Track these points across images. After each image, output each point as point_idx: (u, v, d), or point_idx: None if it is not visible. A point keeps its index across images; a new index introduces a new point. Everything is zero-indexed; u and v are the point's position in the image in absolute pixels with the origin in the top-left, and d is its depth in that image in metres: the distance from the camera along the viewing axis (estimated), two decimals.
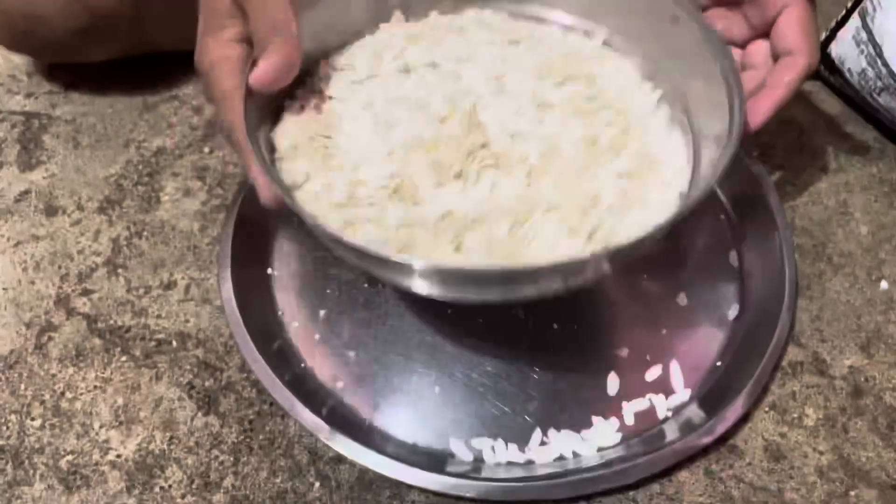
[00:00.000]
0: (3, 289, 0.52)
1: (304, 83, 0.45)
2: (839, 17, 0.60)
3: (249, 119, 0.39)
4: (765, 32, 0.49)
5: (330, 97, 0.45)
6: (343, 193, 0.40)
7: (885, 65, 0.55)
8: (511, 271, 0.37)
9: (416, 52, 0.47)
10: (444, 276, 0.38)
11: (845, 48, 0.59)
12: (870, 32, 0.56)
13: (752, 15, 0.49)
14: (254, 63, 0.39)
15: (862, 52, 0.57)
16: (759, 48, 0.50)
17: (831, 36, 0.61)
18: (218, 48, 0.41)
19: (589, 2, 0.49)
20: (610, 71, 0.48)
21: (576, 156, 0.42)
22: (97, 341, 0.50)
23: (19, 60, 0.66)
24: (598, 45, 0.49)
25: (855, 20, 0.58)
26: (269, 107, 0.43)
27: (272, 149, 0.42)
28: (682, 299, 0.52)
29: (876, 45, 0.56)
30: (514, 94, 0.46)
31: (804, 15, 0.46)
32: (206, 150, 0.60)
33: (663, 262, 0.53)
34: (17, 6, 0.56)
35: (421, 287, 0.40)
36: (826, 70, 0.63)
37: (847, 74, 0.60)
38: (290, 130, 0.43)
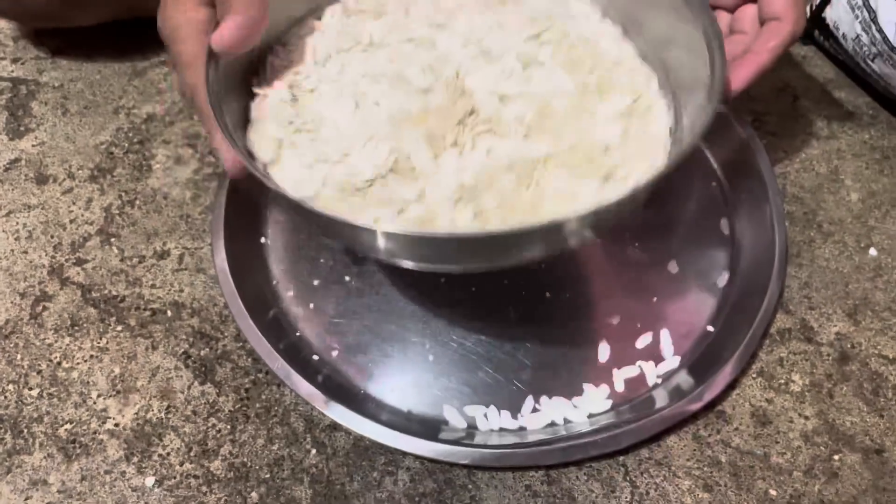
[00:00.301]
0: None
1: (265, 62, 0.44)
2: None
3: (213, 84, 0.37)
4: None
5: (298, 82, 0.43)
6: (338, 183, 0.39)
7: (880, 31, 0.54)
8: (488, 236, 0.36)
9: (381, 25, 0.45)
10: (418, 242, 0.37)
11: (840, 13, 0.59)
12: None
13: None
14: (217, 25, 0.38)
15: (857, 17, 0.57)
16: (747, 13, 0.49)
17: (826, 0, 0.61)
18: (181, 11, 0.39)
19: None
20: (590, 26, 0.47)
21: (570, 107, 0.42)
22: (92, 311, 0.50)
23: (4, 25, 0.65)
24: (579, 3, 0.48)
25: None
26: (238, 75, 0.42)
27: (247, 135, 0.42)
28: (673, 267, 0.52)
29: (871, 10, 0.55)
30: (497, 55, 0.44)
31: None
32: (197, 117, 0.59)
33: (655, 230, 0.53)
34: None
35: (392, 254, 0.39)
36: (820, 35, 0.62)
37: (841, 40, 0.60)
38: (269, 131, 0.41)
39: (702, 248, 0.53)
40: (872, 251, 0.53)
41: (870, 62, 0.57)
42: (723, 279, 0.52)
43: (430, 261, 0.41)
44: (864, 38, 0.57)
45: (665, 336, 0.49)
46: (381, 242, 0.36)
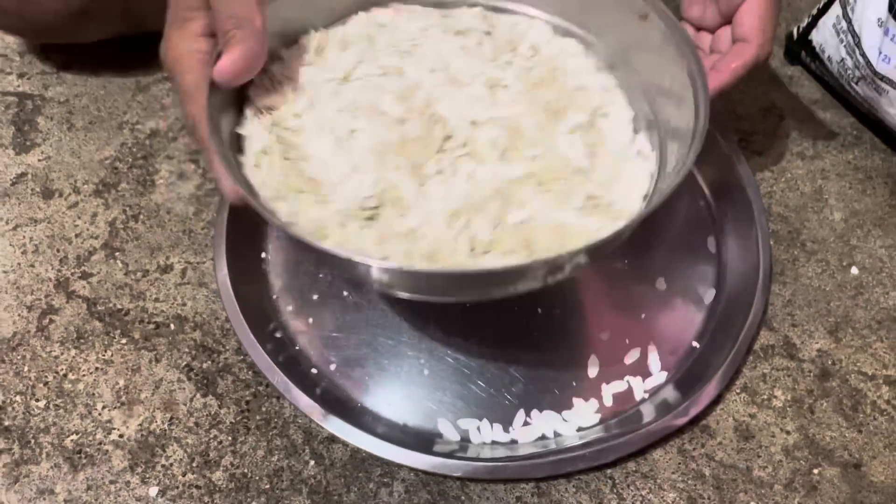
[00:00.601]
0: (4, 272, 0.54)
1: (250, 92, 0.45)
2: (821, 5, 0.62)
3: (213, 114, 0.38)
4: (731, 19, 0.50)
5: (279, 120, 0.44)
6: (334, 217, 0.40)
7: (863, 55, 0.56)
8: (470, 274, 0.38)
9: (348, 56, 0.46)
10: (418, 277, 0.39)
11: (826, 36, 0.61)
12: (850, 22, 0.57)
13: (722, 3, 0.50)
14: (218, 56, 0.39)
15: (841, 41, 0.59)
16: (725, 33, 0.51)
17: (812, 23, 0.62)
18: (183, 42, 0.41)
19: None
20: (556, 50, 0.48)
21: (537, 126, 0.44)
22: (97, 324, 0.52)
23: (11, 40, 0.66)
24: (545, 30, 0.49)
25: (836, 9, 0.60)
26: (235, 102, 0.43)
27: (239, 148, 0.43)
28: (661, 284, 0.54)
29: (855, 35, 0.57)
30: (464, 80, 0.46)
31: (764, 6, 0.48)
32: (196, 145, 0.61)
33: (643, 248, 0.55)
34: None
35: (389, 286, 0.41)
36: (807, 56, 0.64)
37: (827, 62, 0.61)
38: (264, 175, 0.42)
39: (689, 266, 0.55)
40: (854, 270, 0.55)
41: (854, 85, 0.59)
42: (709, 296, 0.53)
43: (428, 293, 0.43)
44: (849, 62, 0.58)
45: (652, 352, 0.51)
46: (379, 276, 0.38)
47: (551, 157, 0.43)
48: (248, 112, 0.43)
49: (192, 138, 0.41)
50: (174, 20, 0.41)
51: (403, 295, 0.42)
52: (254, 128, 0.43)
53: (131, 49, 0.64)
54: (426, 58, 0.46)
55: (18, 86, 0.64)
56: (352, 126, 0.43)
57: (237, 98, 0.43)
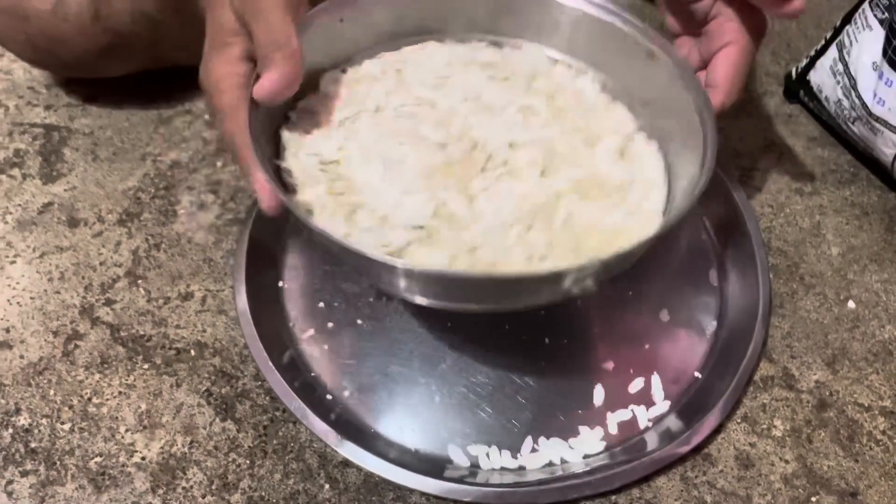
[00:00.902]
0: (31, 298, 0.56)
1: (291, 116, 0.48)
2: (819, 47, 0.64)
3: (253, 130, 0.41)
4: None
5: (319, 151, 0.46)
6: (397, 238, 0.42)
7: (859, 97, 0.58)
8: (499, 279, 0.40)
9: (379, 90, 0.49)
10: (442, 282, 0.41)
11: (823, 77, 0.63)
12: (846, 65, 0.60)
13: (703, 47, 0.52)
14: (257, 78, 0.42)
15: (838, 82, 0.61)
16: (702, 77, 0.53)
17: (811, 64, 0.65)
18: (223, 65, 0.44)
19: (567, 38, 0.52)
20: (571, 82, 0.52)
21: (571, 147, 0.47)
22: (121, 349, 0.53)
23: (38, 73, 0.69)
24: (564, 68, 0.52)
25: (833, 51, 0.62)
26: (271, 125, 0.46)
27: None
28: (665, 315, 0.56)
29: (851, 78, 0.59)
30: (497, 108, 0.49)
31: (738, 56, 0.49)
32: (219, 164, 0.63)
33: (647, 279, 0.57)
34: (39, 27, 0.58)
35: (417, 293, 0.43)
36: (805, 96, 0.66)
37: (824, 102, 0.64)
38: (304, 196, 0.44)
39: (691, 298, 0.57)
40: (851, 304, 0.56)
41: (850, 124, 0.61)
42: (711, 327, 0.55)
43: (486, 301, 0.45)
44: (845, 103, 0.61)
45: (656, 381, 0.53)
46: (425, 284, 0.41)
47: (591, 174, 0.46)
48: (288, 146, 0.46)
49: (230, 155, 0.43)
50: (214, 45, 0.44)
51: (437, 305, 0.44)
52: (296, 161, 0.45)
53: (154, 83, 0.67)
54: (457, 88, 0.49)
55: (45, 118, 0.66)
56: (397, 152, 0.46)
57: (273, 135, 0.46)
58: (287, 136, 0.46)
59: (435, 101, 0.49)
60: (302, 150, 0.45)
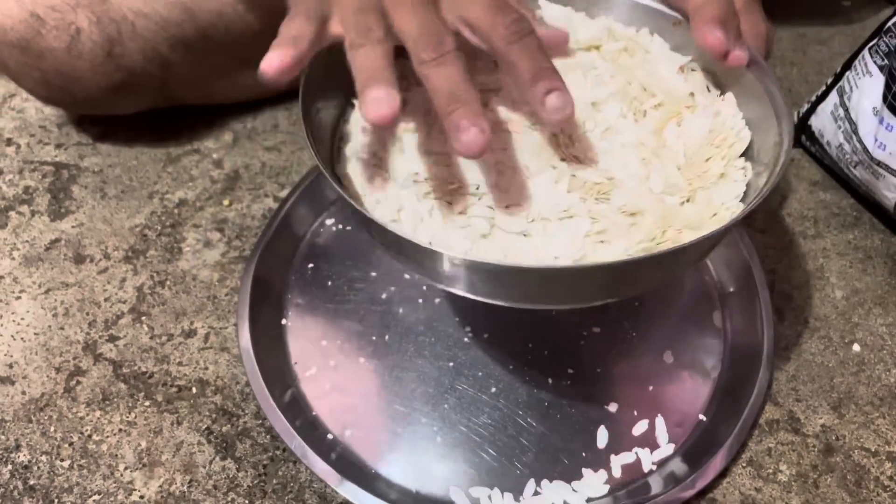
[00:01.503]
0: (35, 334, 0.56)
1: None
2: (820, 92, 0.65)
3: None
4: None
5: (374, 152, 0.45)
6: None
7: (860, 142, 0.59)
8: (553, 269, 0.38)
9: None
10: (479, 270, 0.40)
11: (824, 122, 0.64)
12: (846, 110, 0.61)
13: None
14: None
15: (839, 127, 0.62)
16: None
17: (812, 109, 0.66)
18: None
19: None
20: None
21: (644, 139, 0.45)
22: (122, 386, 0.53)
23: (50, 112, 0.70)
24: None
25: (833, 97, 0.63)
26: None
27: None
28: (669, 357, 0.55)
29: (852, 122, 0.60)
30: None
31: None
32: (226, 202, 0.64)
33: (651, 321, 0.57)
34: (53, 64, 0.60)
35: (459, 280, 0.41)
36: (807, 140, 0.67)
37: (826, 146, 0.64)
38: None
39: (695, 340, 0.57)
40: (856, 347, 0.56)
41: (852, 168, 0.62)
42: (715, 370, 0.55)
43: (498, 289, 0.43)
44: (847, 147, 0.61)
45: (660, 424, 0.52)
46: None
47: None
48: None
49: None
50: None
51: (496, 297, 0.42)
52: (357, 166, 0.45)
53: (164, 122, 0.68)
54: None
55: (56, 156, 0.67)
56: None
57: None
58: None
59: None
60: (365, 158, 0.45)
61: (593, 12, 0.51)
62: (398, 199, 0.42)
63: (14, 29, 0.58)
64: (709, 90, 0.47)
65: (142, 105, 0.67)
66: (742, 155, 0.45)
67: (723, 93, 0.47)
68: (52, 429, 0.51)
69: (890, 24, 0.57)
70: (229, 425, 0.52)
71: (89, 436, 0.51)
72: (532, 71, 0.38)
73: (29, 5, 0.57)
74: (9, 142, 0.68)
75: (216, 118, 0.70)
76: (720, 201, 0.43)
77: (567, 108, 0.38)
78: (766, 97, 0.44)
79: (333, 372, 0.54)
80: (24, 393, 0.53)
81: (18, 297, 0.58)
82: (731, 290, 0.59)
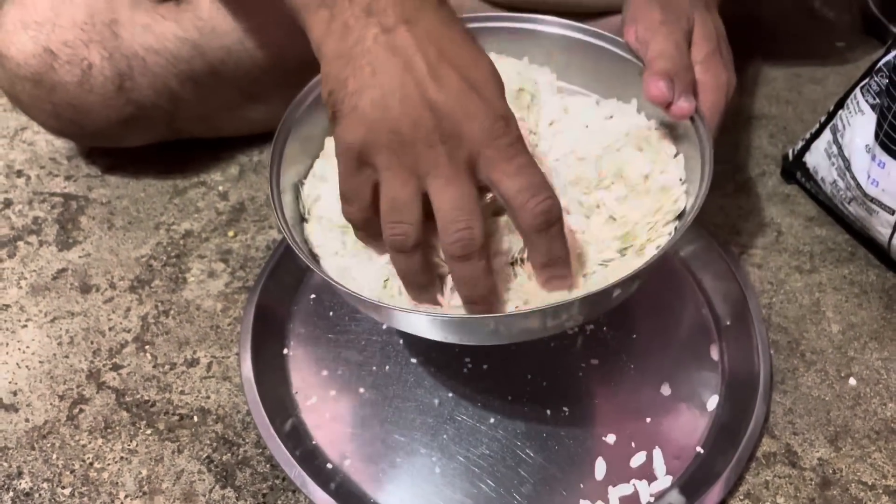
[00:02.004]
0: (40, 362, 0.56)
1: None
2: (814, 130, 0.66)
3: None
4: None
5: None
6: None
7: (854, 178, 0.60)
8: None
9: None
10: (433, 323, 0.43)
11: (818, 159, 0.65)
12: (840, 147, 0.62)
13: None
14: None
15: (833, 164, 0.63)
16: None
17: (806, 146, 0.67)
18: None
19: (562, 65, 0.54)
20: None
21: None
22: (125, 414, 0.54)
23: (60, 144, 0.72)
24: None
25: (827, 134, 0.64)
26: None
27: None
28: (666, 389, 0.56)
29: (845, 160, 0.61)
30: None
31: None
32: (230, 234, 0.65)
33: (649, 353, 0.57)
34: (65, 97, 0.61)
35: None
36: (802, 176, 0.68)
37: (820, 183, 0.65)
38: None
39: (693, 372, 0.57)
40: (852, 381, 0.57)
41: (846, 204, 0.63)
42: (712, 402, 0.55)
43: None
44: (841, 183, 0.62)
45: (658, 456, 0.52)
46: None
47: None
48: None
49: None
50: None
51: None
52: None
53: (171, 154, 0.70)
54: None
55: (65, 187, 0.68)
56: None
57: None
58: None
59: None
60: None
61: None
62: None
63: (28, 63, 0.59)
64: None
65: (150, 138, 0.68)
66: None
67: (677, 152, 0.50)
68: (55, 456, 0.52)
69: (881, 63, 0.58)
70: (230, 454, 0.52)
71: (91, 463, 0.52)
72: (547, 257, 0.42)
73: (43, 41, 0.59)
74: (19, 173, 0.70)
75: (223, 151, 0.71)
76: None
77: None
78: (697, 156, 0.47)
79: (334, 402, 0.55)
80: (27, 420, 0.53)
81: (25, 326, 0.58)
82: (728, 323, 0.59)
